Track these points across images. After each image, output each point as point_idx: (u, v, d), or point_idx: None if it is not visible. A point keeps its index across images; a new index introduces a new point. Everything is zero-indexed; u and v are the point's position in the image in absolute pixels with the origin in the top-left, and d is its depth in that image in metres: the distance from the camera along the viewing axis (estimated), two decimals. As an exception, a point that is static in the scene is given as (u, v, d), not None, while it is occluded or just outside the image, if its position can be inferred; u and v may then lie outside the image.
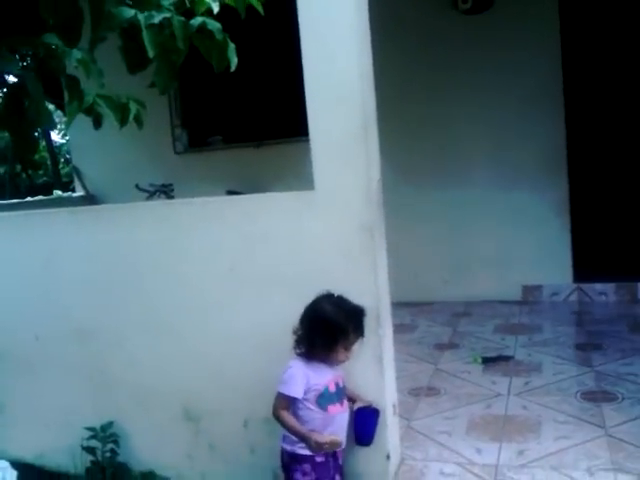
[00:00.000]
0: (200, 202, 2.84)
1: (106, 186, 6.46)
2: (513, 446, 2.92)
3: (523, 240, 5.39)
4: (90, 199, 6.45)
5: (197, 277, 2.87)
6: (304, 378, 2.32)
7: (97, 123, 2.11)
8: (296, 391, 2.31)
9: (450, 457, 2.89)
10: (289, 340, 2.68)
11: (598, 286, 5.30)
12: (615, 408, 3.24)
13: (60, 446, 3.20)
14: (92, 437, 3.01)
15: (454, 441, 3.03)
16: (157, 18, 1.77)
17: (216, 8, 1.73)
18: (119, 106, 2.00)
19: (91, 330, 3.11)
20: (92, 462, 3.01)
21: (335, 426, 2.38)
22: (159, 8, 1.77)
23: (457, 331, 4.80)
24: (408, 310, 5.45)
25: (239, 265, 2.78)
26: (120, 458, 3.04)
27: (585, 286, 5.33)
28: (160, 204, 3.11)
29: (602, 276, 5.29)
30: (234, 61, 1.92)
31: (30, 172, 15.15)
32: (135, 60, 1.82)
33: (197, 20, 1.84)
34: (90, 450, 3.01)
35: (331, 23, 2.47)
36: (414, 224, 5.62)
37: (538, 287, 5.43)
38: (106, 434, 3.01)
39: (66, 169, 13.62)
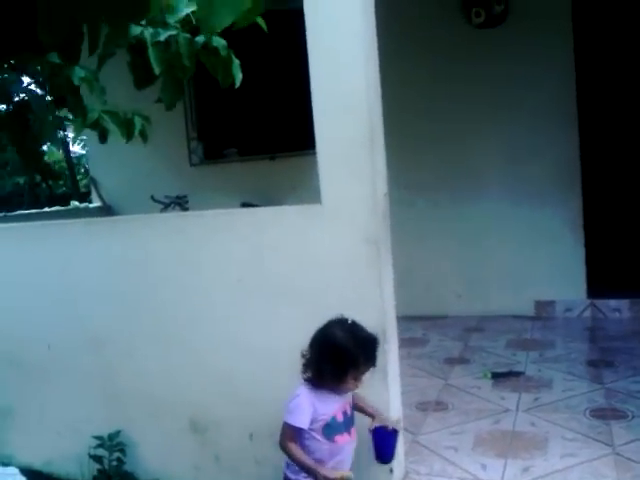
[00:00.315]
0: (211, 214, 2.88)
1: (122, 197, 6.54)
2: (518, 462, 2.90)
3: (536, 255, 5.36)
4: (107, 210, 6.53)
5: (207, 288, 2.91)
6: (310, 407, 2.23)
7: (102, 137, 2.15)
8: (302, 421, 2.22)
9: (454, 472, 2.88)
10: (295, 354, 2.71)
11: (612, 302, 5.26)
12: (624, 426, 3.21)
13: (69, 454, 3.24)
14: (99, 446, 3.04)
15: (460, 456, 3.02)
16: (163, 35, 1.81)
17: (219, 26, 1.76)
18: (124, 121, 2.04)
19: (103, 340, 3.16)
20: (99, 470, 3.05)
21: (343, 455, 2.31)
22: (165, 26, 1.80)
23: (468, 346, 4.78)
24: (421, 324, 5.44)
25: (247, 276, 2.81)
26: (127, 467, 3.07)
27: (599, 302, 5.28)
28: (173, 216, 3.17)
29: (616, 292, 5.25)
30: (238, 77, 1.95)
31: (50, 182, 15.37)
32: (142, 76, 1.86)
33: (202, 37, 1.88)
34: (97, 459, 3.04)
35: (337, 33, 2.50)
36: (428, 238, 5.63)
37: (551, 303, 5.39)
38: (113, 443, 3.05)
39: (85, 180, 13.79)
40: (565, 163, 5.22)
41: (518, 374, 4.05)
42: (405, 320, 5.54)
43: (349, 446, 2.34)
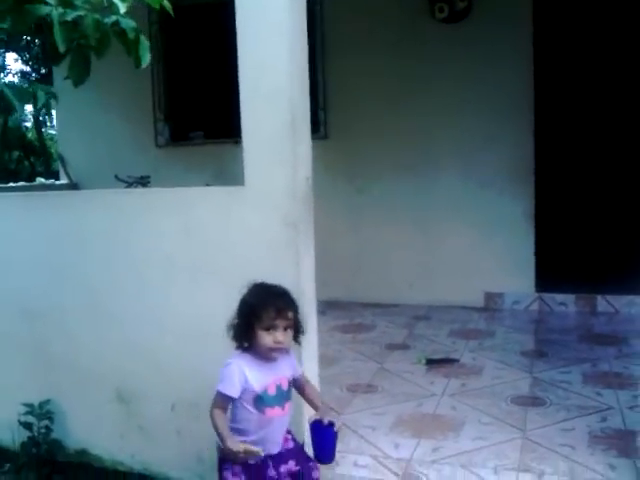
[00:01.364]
0: (141, 192, 2.97)
1: (90, 175, 6.61)
2: (430, 443, 3.02)
3: (488, 247, 5.49)
4: (73, 187, 6.60)
5: (137, 264, 3.00)
6: (241, 376, 2.19)
7: (7, 111, 2.22)
8: (232, 390, 2.18)
9: (367, 450, 2.99)
10: (219, 328, 2.81)
11: (559, 296, 5.40)
12: (540, 413, 3.34)
13: (1, 421, 3.33)
14: (28, 413, 3.13)
15: (376, 436, 3.13)
16: (70, 16, 1.89)
17: (123, 8, 1.85)
18: (25, 94, 2.11)
19: (37, 311, 3.24)
20: (28, 437, 3.13)
21: (271, 428, 2.25)
22: (73, 7, 1.89)
23: (412, 333, 4.90)
24: (372, 311, 5.56)
25: (175, 253, 2.91)
26: (56, 435, 3.16)
27: (546, 296, 5.42)
28: (106, 192, 3.24)
29: (563, 287, 5.39)
30: (145, 58, 2.03)
31: (32, 159, 15.38)
32: (51, 53, 1.94)
33: (111, 18, 1.97)
34: (27, 426, 3.13)
35: (262, 27, 2.60)
36: (383, 226, 5.74)
37: (500, 295, 5.53)
38: (42, 411, 3.13)
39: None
40: (520, 158, 5.34)
41: (452, 361, 4.17)
42: (357, 307, 5.72)
43: (279, 420, 2.27)
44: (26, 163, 15.53)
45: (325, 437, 2.25)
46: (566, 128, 5.31)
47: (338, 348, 4.61)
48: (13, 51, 14.29)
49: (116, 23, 1.98)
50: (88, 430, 3.19)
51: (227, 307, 2.79)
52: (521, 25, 5.24)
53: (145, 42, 2.03)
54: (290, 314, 2.22)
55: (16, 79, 14.28)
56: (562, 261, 5.40)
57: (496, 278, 5.50)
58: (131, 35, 1.98)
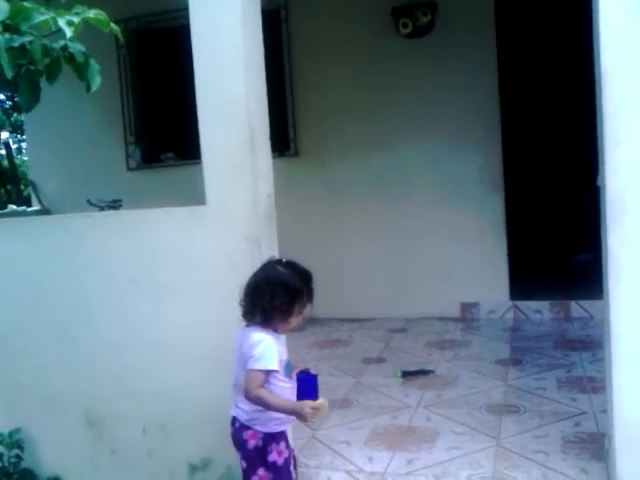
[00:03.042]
0: (102, 215, 2.97)
1: (62, 200, 6.56)
2: (404, 455, 3.01)
3: (462, 258, 5.52)
4: (45, 213, 6.55)
5: (102, 287, 2.98)
6: (277, 348, 2.23)
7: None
8: (274, 363, 2.18)
9: (341, 465, 2.98)
10: (184, 347, 2.84)
11: (533, 304, 5.44)
12: (514, 420, 3.35)
13: (-30, 451, 3.28)
14: (-1, 442, 3.09)
15: (350, 450, 3.11)
16: (17, 42, 1.89)
17: (69, 33, 1.85)
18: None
19: (1, 337, 3.21)
20: (-1, 467, 3.10)
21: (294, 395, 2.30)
22: (20, 33, 1.89)
23: (389, 346, 4.90)
24: (349, 326, 5.57)
25: (140, 275, 2.90)
26: (27, 463, 3.12)
27: (521, 304, 5.46)
28: (67, 217, 3.23)
29: (537, 294, 5.43)
30: (95, 82, 2.04)
31: (9, 187, 15.25)
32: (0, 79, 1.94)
33: (59, 43, 1.97)
34: (-2, 456, 3.09)
35: (219, 48, 2.63)
36: (358, 241, 5.76)
37: (475, 304, 5.56)
38: (12, 440, 3.09)
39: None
40: (488, 169, 5.40)
41: (428, 372, 4.17)
42: (334, 322, 5.72)
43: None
44: (2, 190, 15.41)
45: (310, 385, 2.38)
46: (532, 138, 5.40)
47: (315, 364, 4.58)
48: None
49: (65, 48, 1.98)
50: (60, 456, 3.15)
51: (191, 328, 2.83)
52: (484, 38, 5.31)
53: (95, 66, 2.03)
54: None
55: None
56: (535, 269, 5.46)
57: (471, 288, 5.53)
58: (80, 59, 1.98)
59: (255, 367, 2.17)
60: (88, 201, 5.96)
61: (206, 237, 2.75)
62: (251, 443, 2.27)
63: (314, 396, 2.36)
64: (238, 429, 2.31)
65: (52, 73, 2.09)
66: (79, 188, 6.29)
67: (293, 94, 5.83)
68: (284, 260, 2.37)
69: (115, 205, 5.89)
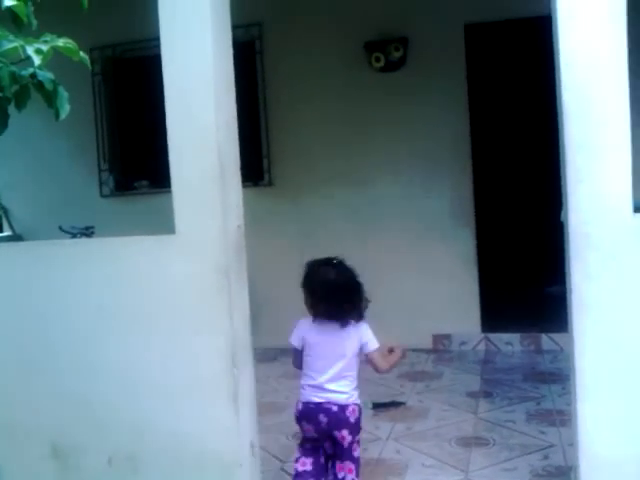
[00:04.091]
0: (70, 243, 2.94)
1: (34, 226, 6.51)
2: (373, 488, 3.00)
3: (434, 290, 5.54)
4: (16, 239, 6.49)
5: (67, 315, 2.93)
6: None
7: None
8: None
9: (309, 499, 2.94)
10: (152, 377, 2.80)
11: (505, 336, 5.47)
12: (483, 453, 3.35)
13: None
14: (-42, 475, 3.01)
15: (318, 483, 3.08)
16: (-15, 68, 1.89)
17: (37, 61, 1.86)
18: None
19: (-36, 366, 3.15)
20: (-42, 501, 3.01)
21: None
22: (-11, 60, 1.89)
23: (360, 377, 4.83)
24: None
25: (106, 303, 2.86)
26: (-12, 497, 3.04)
27: (492, 336, 5.49)
28: (32, 244, 3.20)
29: (509, 326, 5.46)
30: (64, 109, 2.04)
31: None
32: (-33, 106, 1.93)
33: (28, 70, 1.98)
34: (-43, 488, 3.01)
35: (188, 78, 2.63)
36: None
37: (447, 336, 5.57)
38: (-27, 472, 3.02)
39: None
40: (459, 202, 5.46)
41: (399, 404, 4.17)
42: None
43: None
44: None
45: None
46: (502, 172, 5.47)
47: (286, 395, 4.55)
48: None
49: (34, 75, 1.98)
50: (22, 488, 3.07)
51: (159, 356, 2.80)
52: (455, 72, 5.42)
53: (64, 94, 2.04)
54: None
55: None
56: (506, 301, 5.49)
57: (443, 320, 5.55)
58: (49, 87, 1.98)
59: (377, 346, 2.73)
60: (60, 227, 5.92)
61: (175, 266, 2.73)
62: (353, 417, 2.61)
63: None
64: (339, 411, 2.59)
65: (20, 100, 2.09)
66: (52, 214, 6.26)
67: (267, 124, 5.87)
68: (334, 260, 2.80)
69: (87, 232, 5.86)
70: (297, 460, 2.68)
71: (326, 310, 2.65)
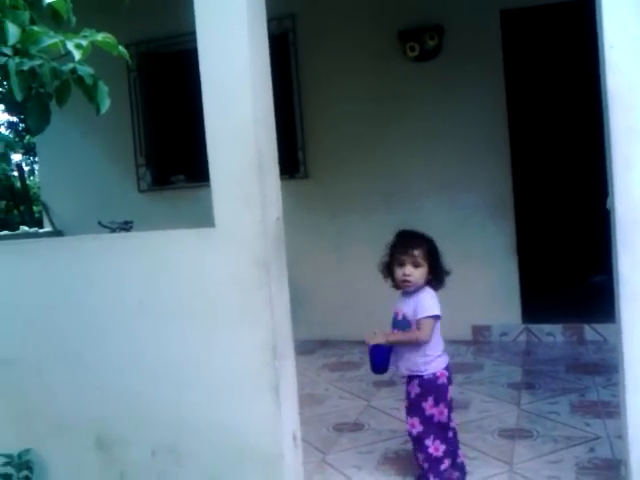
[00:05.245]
0: (109, 238, 2.96)
1: (73, 222, 6.62)
2: (414, 481, 2.97)
3: (473, 281, 5.46)
4: (57, 234, 6.59)
5: (110, 309, 2.96)
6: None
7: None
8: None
9: (347, 490, 2.94)
10: (192, 370, 2.82)
11: (546, 327, 5.37)
12: (527, 445, 3.29)
13: (-20, 474, 3.26)
14: (7, 463, 3.07)
15: (361, 475, 3.07)
16: (27, 65, 1.91)
17: (78, 55, 1.87)
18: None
19: (11, 359, 3.19)
20: (7, 489, 3.07)
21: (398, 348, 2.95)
22: (29, 56, 1.91)
23: (400, 369, 4.84)
24: (360, 348, 5.46)
25: (146, 298, 2.88)
26: (35, 486, 3.10)
27: (533, 327, 5.40)
28: (74, 239, 3.23)
29: (550, 317, 5.37)
30: (104, 104, 2.04)
31: (22, 208, 15.39)
32: (10, 103, 1.95)
33: (68, 66, 1.99)
34: (6, 477, 3.06)
35: (226, 73, 2.62)
36: (366, 264, 5.67)
37: (488, 327, 5.50)
38: (21, 461, 3.07)
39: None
40: (498, 192, 5.37)
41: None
42: (346, 344, 5.68)
43: None
44: (15, 212, 15.54)
45: (382, 355, 2.95)
46: (542, 161, 5.37)
47: (326, 387, 4.57)
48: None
49: (74, 70, 1.99)
50: (69, 479, 3.12)
51: (198, 350, 2.81)
52: (492, 61, 5.31)
53: (104, 88, 2.04)
54: (415, 252, 2.85)
55: (2, 129, 14.37)
56: (547, 292, 5.40)
57: (483, 311, 5.48)
58: (89, 82, 1.99)
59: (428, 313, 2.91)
60: (99, 222, 6.00)
61: (214, 259, 2.73)
62: (442, 379, 2.84)
63: (381, 366, 2.98)
64: (432, 378, 2.82)
65: (61, 96, 2.10)
66: (90, 209, 6.35)
67: (302, 117, 5.85)
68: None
69: (126, 227, 5.92)
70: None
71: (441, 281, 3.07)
